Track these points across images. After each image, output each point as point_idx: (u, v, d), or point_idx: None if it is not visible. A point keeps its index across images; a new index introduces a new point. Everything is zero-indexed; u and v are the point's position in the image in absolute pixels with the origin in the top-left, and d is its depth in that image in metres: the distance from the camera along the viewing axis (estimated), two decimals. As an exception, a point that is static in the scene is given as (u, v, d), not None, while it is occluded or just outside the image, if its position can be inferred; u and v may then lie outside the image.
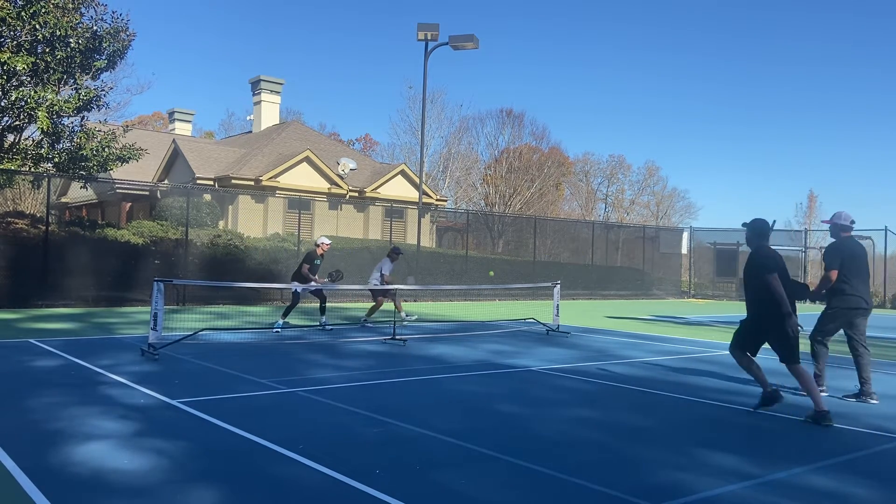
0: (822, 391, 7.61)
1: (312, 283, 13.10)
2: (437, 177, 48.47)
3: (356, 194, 28.18)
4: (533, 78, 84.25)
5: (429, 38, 22.82)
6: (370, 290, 14.07)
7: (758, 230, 6.91)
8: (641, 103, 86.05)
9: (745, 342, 6.91)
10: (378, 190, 28.75)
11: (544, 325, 14.08)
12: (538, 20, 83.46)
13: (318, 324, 13.10)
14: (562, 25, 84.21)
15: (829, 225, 7.95)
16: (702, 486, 4.56)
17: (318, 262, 13.53)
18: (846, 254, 7.64)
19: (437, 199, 31.27)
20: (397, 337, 11.53)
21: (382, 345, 11.20)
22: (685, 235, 34.90)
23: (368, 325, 13.99)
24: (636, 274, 31.98)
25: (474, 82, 77.47)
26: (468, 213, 33.85)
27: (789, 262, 32.39)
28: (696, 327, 16.52)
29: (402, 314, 14.54)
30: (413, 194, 28.49)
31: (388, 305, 14.82)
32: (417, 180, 27.21)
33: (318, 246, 13.52)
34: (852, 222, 7.81)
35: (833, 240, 7.89)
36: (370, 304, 14.99)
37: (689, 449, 5.48)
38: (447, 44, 22.94)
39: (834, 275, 7.60)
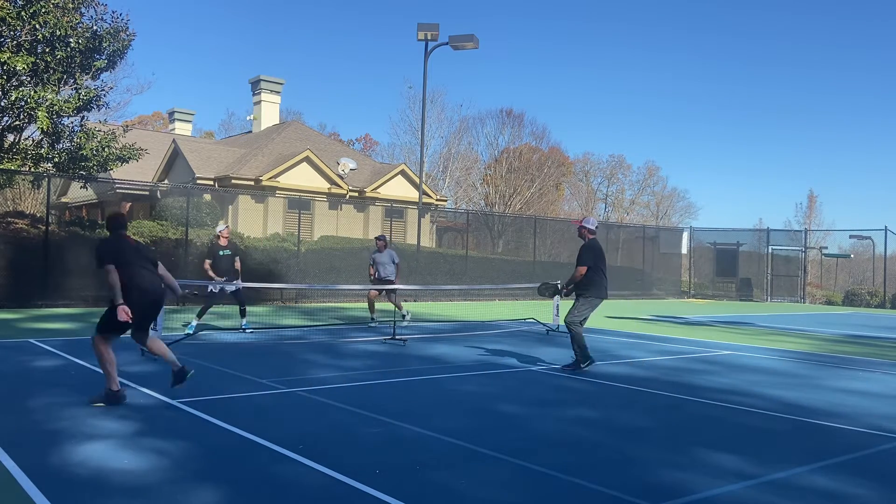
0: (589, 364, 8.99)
1: (216, 281, 11.73)
2: (437, 177, 48.47)
3: (356, 194, 28.18)
4: (533, 78, 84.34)
5: (429, 38, 22.82)
6: (386, 288, 13.58)
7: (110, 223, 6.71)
8: (641, 103, 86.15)
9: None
10: (378, 190, 28.75)
11: (544, 325, 14.08)
12: (538, 20, 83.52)
13: (241, 327, 12.10)
14: (562, 25, 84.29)
15: (578, 226, 9.45)
16: (702, 486, 4.56)
17: (225, 252, 11.96)
18: (597, 252, 9.15)
19: (437, 199, 31.27)
20: (397, 337, 11.53)
21: (382, 345, 11.20)
22: (685, 235, 34.88)
23: (407, 320, 13.72)
24: (636, 274, 31.96)
25: (474, 82, 77.54)
26: (468, 213, 33.84)
27: (789, 261, 32.53)
28: (696, 327, 16.51)
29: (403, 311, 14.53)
30: (413, 194, 28.48)
31: (386, 305, 14.80)
32: (417, 180, 27.20)
33: (217, 236, 12.12)
34: (596, 226, 9.45)
35: (583, 241, 9.33)
36: (375, 303, 14.35)
37: (689, 449, 5.48)
38: (447, 44, 22.95)
39: (583, 270, 8.98)
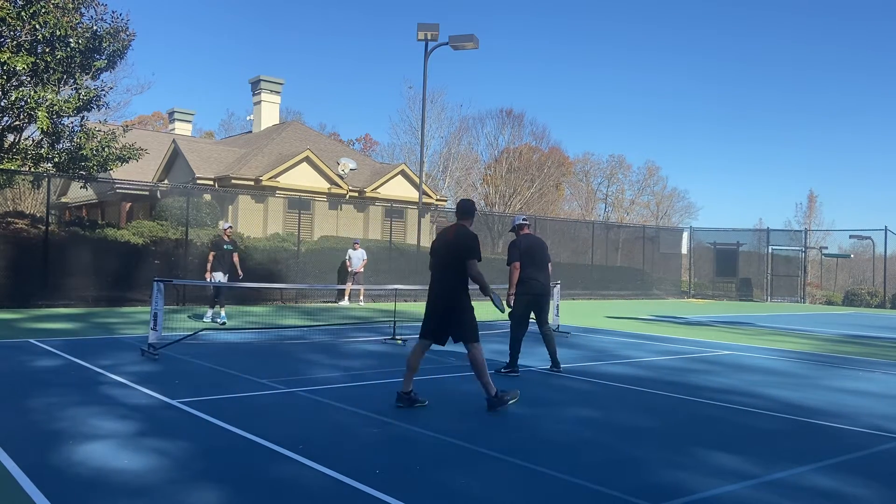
0: (515, 373, 8.78)
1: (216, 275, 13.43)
2: (437, 177, 48.46)
3: (356, 194, 28.18)
4: (533, 78, 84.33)
5: (429, 38, 22.82)
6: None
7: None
8: (641, 103, 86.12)
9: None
10: (378, 190, 28.75)
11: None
12: (538, 20, 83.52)
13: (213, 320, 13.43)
14: (561, 25, 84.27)
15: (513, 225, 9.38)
16: (702, 486, 4.56)
17: (229, 247, 13.68)
18: (522, 248, 8.83)
19: (437, 199, 31.25)
20: (397, 337, 11.53)
21: (382, 345, 11.20)
22: (685, 235, 34.90)
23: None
24: (636, 274, 31.96)
25: (474, 82, 77.54)
26: (468, 213, 33.74)
27: (789, 261, 32.54)
28: (696, 327, 16.51)
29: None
30: (413, 194, 28.48)
31: (386, 305, 14.79)
32: (417, 180, 27.20)
33: (224, 231, 13.94)
34: (524, 220, 9.28)
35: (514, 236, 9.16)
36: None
37: (689, 449, 5.48)
38: (447, 44, 22.94)
39: (515, 266, 8.75)
